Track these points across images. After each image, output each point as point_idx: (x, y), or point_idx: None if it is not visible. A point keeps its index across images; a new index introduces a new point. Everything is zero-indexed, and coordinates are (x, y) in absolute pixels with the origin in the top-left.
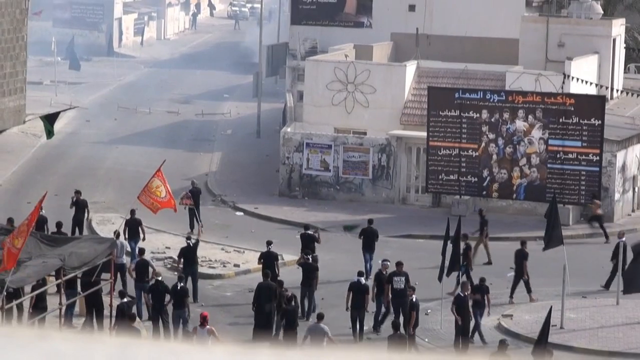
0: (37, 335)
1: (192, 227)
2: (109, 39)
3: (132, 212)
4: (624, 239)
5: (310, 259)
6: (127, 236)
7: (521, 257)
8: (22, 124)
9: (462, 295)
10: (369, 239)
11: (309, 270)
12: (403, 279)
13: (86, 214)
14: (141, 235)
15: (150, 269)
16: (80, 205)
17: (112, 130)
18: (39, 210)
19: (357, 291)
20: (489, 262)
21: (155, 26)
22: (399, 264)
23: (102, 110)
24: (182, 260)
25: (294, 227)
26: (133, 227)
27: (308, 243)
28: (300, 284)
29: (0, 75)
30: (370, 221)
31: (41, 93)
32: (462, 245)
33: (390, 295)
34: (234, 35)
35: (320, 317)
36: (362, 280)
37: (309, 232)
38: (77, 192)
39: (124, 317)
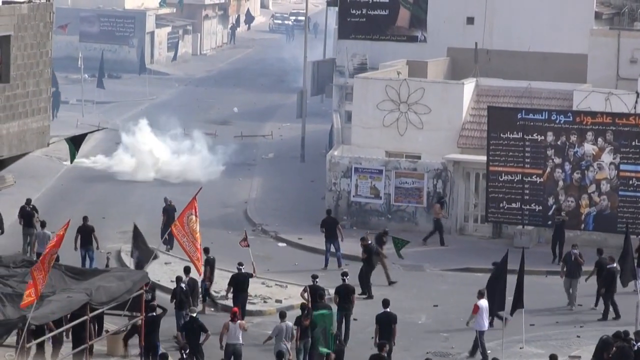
0: None
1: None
2: (140, 54)
3: (85, 218)
4: (614, 264)
5: (346, 280)
6: (79, 244)
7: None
8: (46, 147)
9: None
10: (330, 228)
11: (347, 293)
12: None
13: (94, 242)
14: (94, 244)
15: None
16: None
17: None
18: (60, 240)
19: (385, 322)
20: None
21: (190, 40)
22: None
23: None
24: (231, 288)
25: (342, 259)
26: (86, 235)
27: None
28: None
29: (23, 94)
30: (328, 211)
31: (67, 113)
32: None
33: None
34: (276, 51)
35: (282, 315)
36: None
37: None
38: None
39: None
